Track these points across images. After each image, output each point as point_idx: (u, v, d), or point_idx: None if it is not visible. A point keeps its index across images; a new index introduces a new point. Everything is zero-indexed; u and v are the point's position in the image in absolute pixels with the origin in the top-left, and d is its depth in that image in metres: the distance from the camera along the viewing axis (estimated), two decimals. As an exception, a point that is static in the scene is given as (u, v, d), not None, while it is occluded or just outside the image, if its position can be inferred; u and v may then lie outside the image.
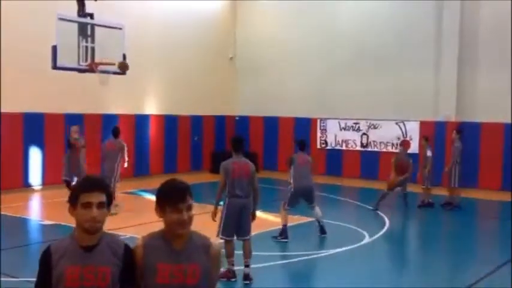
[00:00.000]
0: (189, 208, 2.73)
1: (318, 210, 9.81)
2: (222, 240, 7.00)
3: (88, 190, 2.67)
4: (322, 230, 9.74)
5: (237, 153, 7.30)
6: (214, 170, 18.19)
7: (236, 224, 7.09)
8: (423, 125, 16.36)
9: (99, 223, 2.68)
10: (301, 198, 9.77)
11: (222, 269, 6.47)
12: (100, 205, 2.67)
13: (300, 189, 9.63)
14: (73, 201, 2.69)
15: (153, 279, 2.70)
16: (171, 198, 2.71)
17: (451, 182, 12.83)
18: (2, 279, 7.04)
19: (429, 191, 13.08)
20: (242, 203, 7.09)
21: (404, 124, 16.51)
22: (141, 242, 2.78)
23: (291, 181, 9.66)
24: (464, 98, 15.96)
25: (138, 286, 2.77)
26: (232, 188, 7.08)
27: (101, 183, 2.73)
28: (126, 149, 11.96)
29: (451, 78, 16.00)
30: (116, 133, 12.06)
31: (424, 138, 13.62)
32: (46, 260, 2.68)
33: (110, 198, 2.75)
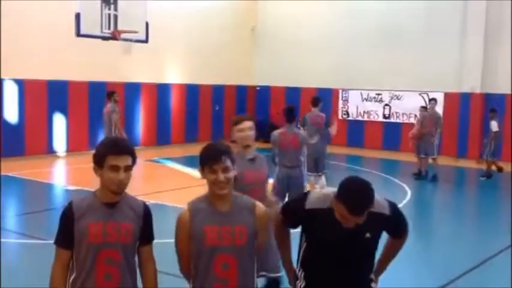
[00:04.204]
0: (226, 170, 2.78)
1: (323, 180, 9.38)
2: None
3: (117, 153, 2.72)
4: None
5: (289, 124, 7.38)
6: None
7: (284, 192, 7.11)
8: (447, 96, 16.12)
9: (125, 185, 2.76)
10: (313, 162, 9.29)
11: None
12: (127, 168, 2.73)
13: (308, 151, 9.03)
14: (99, 161, 2.74)
15: (203, 242, 2.77)
16: (208, 160, 2.79)
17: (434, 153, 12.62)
18: (29, 241, 7.29)
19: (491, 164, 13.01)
20: (289, 173, 7.16)
21: (428, 95, 16.27)
22: (187, 207, 2.85)
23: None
24: (489, 69, 15.63)
25: (184, 251, 2.83)
26: (280, 158, 7.21)
27: (129, 148, 2.79)
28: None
29: (477, 49, 15.65)
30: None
31: (490, 110, 13.24)
32: (68, 216, 2.75)
33: (135, 160, 2.81)
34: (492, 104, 15.53)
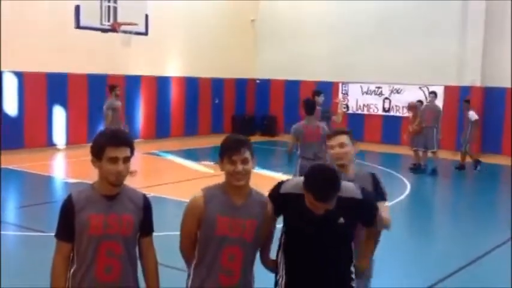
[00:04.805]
0: (245, 161, 2.79)
1: None
2: None
3: (115, 145, 2.71)
4: None
5: (309, 116, 7.46)
6: (235, 132, 18.27)
7: None
8: (447, 89, 16.11)
9: (123, 177, 2.75)
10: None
11: None
12: (125, 159, 2.73)
13: None
14: (98, 153, 2.74)
15: (213, 231, 2.79)
16: (227, 150, 2.80)
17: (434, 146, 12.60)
18: (30, 233, 7.31)
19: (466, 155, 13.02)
20: None
21: (428, 88, 16.25)
22: (202, 192, 2.86)
23: None
24: (490, 63, 15.61)
25: (189, 234, 2.85)
26: (303, 150, 7.25)
27: (128, 139, 2.79)
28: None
29: (477, 42, 15.63)
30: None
31: (465, 101, 13.38)
32: (68, 209, 2.74)
33: (133, 152, 2.80)
34: (493, 97, 15.56)
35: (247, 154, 2.80)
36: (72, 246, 2.75)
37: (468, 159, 13.07)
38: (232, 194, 2.83)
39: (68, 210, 2.73)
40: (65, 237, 2.75)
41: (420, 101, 13.65)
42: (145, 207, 2.84)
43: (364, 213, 3.03)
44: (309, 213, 2.85)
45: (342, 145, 3.48)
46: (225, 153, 2.80)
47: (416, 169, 12.73)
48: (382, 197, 3.49)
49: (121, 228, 2.73)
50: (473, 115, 12.83)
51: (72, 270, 2.76)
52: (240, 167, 2.77)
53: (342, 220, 2.90)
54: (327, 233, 2.90)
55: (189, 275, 2.89)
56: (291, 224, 2.99)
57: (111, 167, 2.69)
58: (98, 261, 2.70)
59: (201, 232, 2.82)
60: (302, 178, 2.94)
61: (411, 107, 13.42)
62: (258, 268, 3.05)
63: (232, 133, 3.06)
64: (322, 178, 2.78)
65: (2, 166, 11.19)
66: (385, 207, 3.44)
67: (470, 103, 13.18)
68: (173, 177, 11.08)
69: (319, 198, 2.76)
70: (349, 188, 2.96)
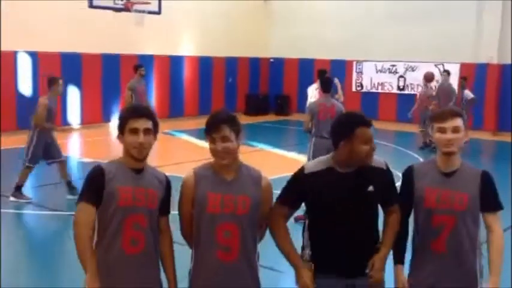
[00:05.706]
0: (224, 139, 2.75)
1: None
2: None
3: (135, 116, 2.75)
4: None
5: (325, 94, 7.45)
6: (249, 111, 18.28)
7: None
8: (463, 67, 15.87)
9: (145, 149, 2.76)
10: None
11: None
12: (146, 131, 2.74)
13: None
14: (121, 127, 2.77)
15: (204, 209, 2.78)
16: (207, 129, 2.80)
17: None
18: (46, 212, 7.41)
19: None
20: (327, 144, 7.14)
21: (443, 66, 16.04)
22: (192, 172, 2.86)
23: None
24: (507, 39, 15.32)
25: (186, 214, 2.87)
26: (318, 129, 7.22)
27: (148, 111, 2.82)
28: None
29: (494, 19, 15.34)
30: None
31: (462, 78, 13.40)
32: (98, 176, 2.73)
33: (157, 126, 2.82)
34: (510, 74, 15.32)
35: (227, 132, 2.74)
36: (95, 213, 2.72)
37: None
38: (222, 171, 2.82)
39: (98, 177, 2.72)
40: (92, 200, 2.69)
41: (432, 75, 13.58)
42: (168, 185, 2.89)
43: (386, 185, 3.02)
44: (339, 183, 2.89)
45: (456, 129, 2.99)
46: (206, 132, 2.80)
47: (424, 147, 12.74)
48: (496, 204, 3.10)
49: (147, 202, 2.76)
50: (468, 94, 12.90)
51: (94, 242, 2.75)
52: (219, 145, 2.74)
53: (371, 188, 2.93)
54: (357, 201, 2.91)
55: (191, 258, 2.90)
56: (321, 197, 2.92)
57: (132, 139, 2.72)
58: (123, 233, 2.71)
59: (195, 211, 2.82)
60: (321, 157, 3.02)
61: (430, 78, 13.12)
62: (270, 249, 3.05)
63: (220, 110, 3.00)
64: (354, 112, 3.04)
65: (17, 146, 11.30)
66: (498, 219, 3.09)
67: (466, 81, 13.20)
68: (187, 157, 11.14)
69: (366, 122, 2.89)
70: (377, 160, 3.01)
